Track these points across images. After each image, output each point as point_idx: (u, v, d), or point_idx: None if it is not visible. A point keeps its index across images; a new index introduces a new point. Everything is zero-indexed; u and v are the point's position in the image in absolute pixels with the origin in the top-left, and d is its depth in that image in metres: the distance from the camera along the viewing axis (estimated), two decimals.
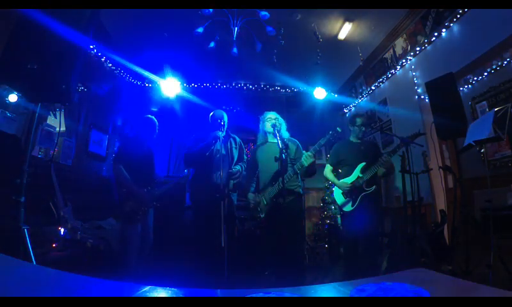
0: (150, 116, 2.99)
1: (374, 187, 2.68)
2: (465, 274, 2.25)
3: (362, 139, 2.95)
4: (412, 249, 2.93)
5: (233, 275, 2.14)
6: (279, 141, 2.23)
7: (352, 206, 2.69)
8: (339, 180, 2.83)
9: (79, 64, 1.68)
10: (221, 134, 2.54)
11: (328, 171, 2.95)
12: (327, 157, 5.75)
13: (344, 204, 2.76)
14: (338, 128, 2.45)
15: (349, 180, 2.75)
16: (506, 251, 2.18)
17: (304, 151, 2.50)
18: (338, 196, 2.83)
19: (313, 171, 2.53)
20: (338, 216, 4.70)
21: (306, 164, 2.38)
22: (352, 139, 2.95)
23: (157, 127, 2.99)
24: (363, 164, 2.71)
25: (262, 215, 2.54)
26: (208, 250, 2.43)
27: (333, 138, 2.45)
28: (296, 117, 5.65)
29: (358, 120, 2.93)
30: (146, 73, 5.06)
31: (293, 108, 6.21)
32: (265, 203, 2.53)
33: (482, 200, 2.80)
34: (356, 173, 2.72)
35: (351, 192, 2.71)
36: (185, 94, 5.50)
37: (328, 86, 5.03)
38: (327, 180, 4.49)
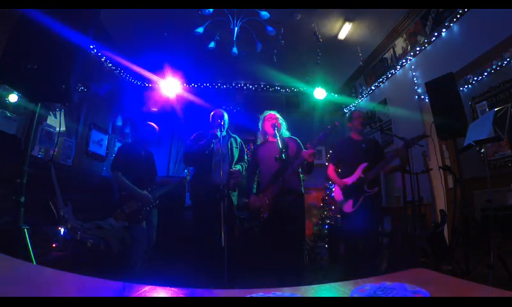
0: (150, 122, 3.01)
1: (376, 188, 2.66)
2: (465, 274, 2.25)
3: (363, 136, 2.94)
4: (412, 249, 2.93)
5: (233, 275, 2.14)
6: (279, 141, 2.23)
7: (353, 207, 2.67)
8: (340, 179, 2.81)
9: (79, 64, 1.68)
10: (220, 133, 2.54)
11: (330, 170, 2.94)
12: (327, 156, 5.77)
13: (345, 204, 2.74)
14: (336, 123, 2.46)
15: (350, 180, 2.73)
16: (506, 251, 2.18)
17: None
18: (339, 196, 2.82)
19: (312, 167, 2.54)
20: (338, 216, 4.70)
21: (309, 159, 2.38)
22: (353, 136, 2.94)
23: (156, 133, 3.01)
24: (365, 164, 2.69)
25: (265, 215, 2.54)
26: (208, 250, 2.43)
27: (331, 132, 2.45)
28: (295, 117, 5.66)
29: (355, 113, 2.93)
30: (146, 73, 5.06)
31: (293, 108, 6.22)
32: (267, 202, 2.53)
33: (482, 200, 2.80)
34: (358, 173, 2.70)
35: (352, 193, 2.69)
36: (186, 94, 5.50)
37: (327, 86, 5.03)
38: (328, 179, 4.49)
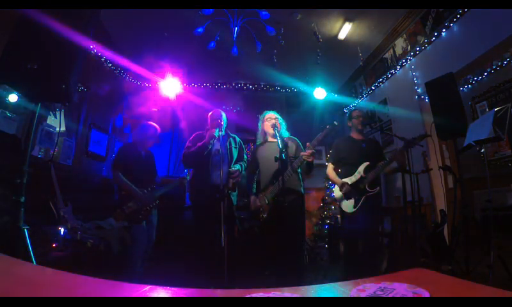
0: (151, 122, 3.01)
1: (377, 188, 2.65)
2: (465, 274, 2.25)
3: (363, 135, 2.93)
4: (412, 249, 2.93)
5: (233, 275, 2.14)
6: (279, 141, 2.23)
7: (354, 207, 2.65)
8: (340, 179, 2.80)
9: (79, 64, 1.68)
10: (219, 133, 2.54)
11: (329, 169, 2.93)
12: (327, 156, 5.77)
13: (346, 205, 2.72)
14: (335, 122, 2.45)
15: (350, 180, 2.71)
16: (506, 251, 2.18)
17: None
18: (339, 196, 2.80)
19: (311, 167, 2.54)
20: (338, 216, 4.70)
21: (309, 159, 2.38)
22: (353, 135, 2.93)
23: (157, 133, 3.01)
24: (367, 163, 2.68)
25: (265, 215, 2.54)
26: (208, 250, 2.43)
27: (330, 132, 2.44)
28: (296, 117, 5.66)
29: (355, 112, 2.92)
30: (146, 73, 5.06)
31: (293, 108, 6.22)
32: (267, 202, 2.52)
33: (482, 200, 2.80)
34: (359, 172, 2.69)
35: (353, 193, 2.68)
36: (186, 94, 5.51)
37: (327, 86, 5.03)
38: (328, 179, 4.48)
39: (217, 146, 2.65)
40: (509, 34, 2.75)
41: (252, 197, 2.63)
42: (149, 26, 4.17)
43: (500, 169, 2.92)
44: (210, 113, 2.89)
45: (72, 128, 3.91)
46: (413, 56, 4.19)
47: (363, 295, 0.59)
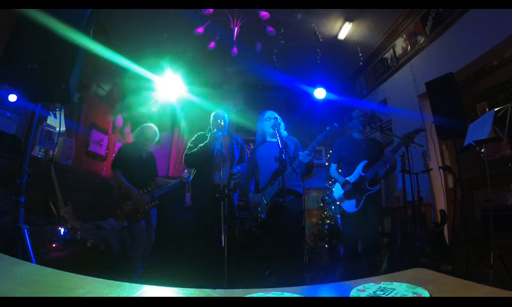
0: (150, 123, 3.02)
1: (378, 185, 2.64)
2: (465, 274, 2.25)
3: (364, 135, 2.93)
4: (412, 249, 2.92)
5: (233, 275, 2.14)
6: (279, 141, 2.23)
7: (356, 206, 2.64)
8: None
9: (79, 64, 1.68)
10: (221, 134, 2.54)
11: (333, 169, 2.92)
12: (327, 157, 5.77)
13: (347, 205, 2.71)
14: (335, 124, 2.45)
15: (350, 179, 2.71)
16: (506, 251, 2.18)
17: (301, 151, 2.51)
18: (339, 196, 2.79)
19: (311, 168, 2.53)
20: (338, 216, 4.70)
21: (305, 161, 2.38)
22: (354, 135, 2.93)
23: (157, 135, 3.01)
24: (366, 162, 2.67)
25: (263, 215, 2.53)
26: (209, 250, 2.43)
27: (330, 134, 2.44)
28: (295, 117, 5.66)
29: (355, 113, 2.92)
30: (146, 73, 5.05)
31: (293, 108, 6.22)
32: (265, 202, 2.52)
33: (482, 200, 2.81)
34: (358, 171, 2.68)
35: (354, 192, 2.67)
36: (186, 94, 5.50)
37: (327, 86, 5.03)
38: (328, 179, 4.47)
39: (219, 146, 2.65)
40: (509, 34, 2.75)
41: (250, 195, 2.64)
42: (149, 26, 4.17)
43: (500, 169, 2.92)
44: (213, 113, 2.88)
45: (72, 128, 3.91)
46: (413, 56, 4.19)
47: (363, 295, 0.59)
